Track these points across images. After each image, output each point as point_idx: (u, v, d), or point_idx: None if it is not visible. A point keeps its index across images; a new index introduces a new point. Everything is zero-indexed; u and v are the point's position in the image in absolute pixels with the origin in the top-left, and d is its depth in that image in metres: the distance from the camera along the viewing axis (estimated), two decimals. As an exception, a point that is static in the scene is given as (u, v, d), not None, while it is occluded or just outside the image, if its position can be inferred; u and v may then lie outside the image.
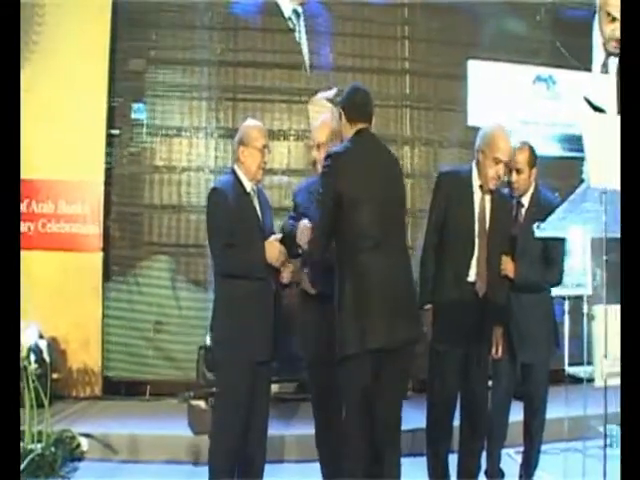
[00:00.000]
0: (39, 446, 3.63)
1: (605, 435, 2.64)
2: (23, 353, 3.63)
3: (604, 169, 2.49)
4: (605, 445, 2.62)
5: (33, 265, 4.92)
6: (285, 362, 3.20)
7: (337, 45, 5.70)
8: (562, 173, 5.35)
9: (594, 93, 5.73)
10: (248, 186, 3.01)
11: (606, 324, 2.61)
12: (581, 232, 3.36)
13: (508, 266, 3.21)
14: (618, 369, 2.41)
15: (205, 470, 2.94)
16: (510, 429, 3.45)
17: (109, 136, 5.39)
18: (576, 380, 3.75)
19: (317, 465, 3.16)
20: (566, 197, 2.79)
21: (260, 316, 2.91)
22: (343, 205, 2.67)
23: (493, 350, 3.18)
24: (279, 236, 2.99)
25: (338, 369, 2.70)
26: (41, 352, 3.87)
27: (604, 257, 2.64)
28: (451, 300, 3.05)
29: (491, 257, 3.09)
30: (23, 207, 5.10)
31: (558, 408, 3.68)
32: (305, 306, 3.14)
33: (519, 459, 3.56)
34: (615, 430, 2.80)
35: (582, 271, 3.96)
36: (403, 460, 2.80)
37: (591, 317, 2.85)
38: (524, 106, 5.80)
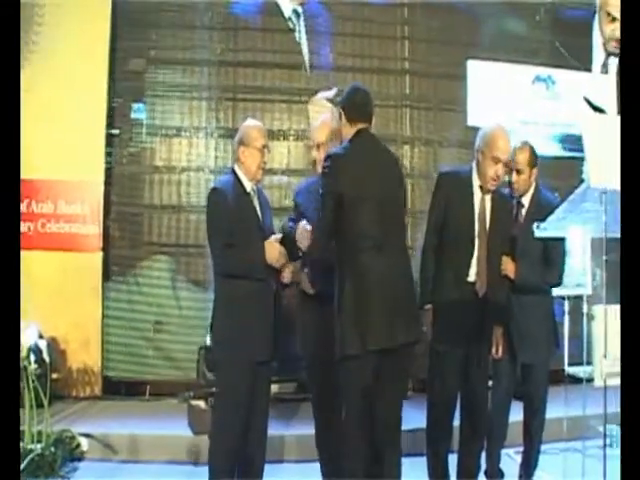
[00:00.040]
0: (39, 446, 3.63)
1: (605, 435, 2.64)
2: (23, 353, 3.63)
3: (604, 169, 2.49)
4: (605, 445, 2.62)
5: (33, 265, 4.92)
6: (285, 362, 3.19)
7: (337, 45, 5.69)
8: (562, 173, 5.34)
9: (594, 93, 5.74)
10: (248, 186, 3.01)
11: (606, 324, 2.61)
12: (581, 232, 3.37)
13: (508, 266, 3.21)
14: (618, 369, 2.41)
15: (205, 470, 2.94)
16: (510, 429, 3.45)
17: (109, 136, 5.38)
18: (576, 380, 3.74)
19: (317, 465, 3.16)
20: (566, 197, 2.79)
21: (260, 316, 2.91)
22: (343, 205, 2.67)
23: (493, 350, 3.19)
24: (279, 236, 2.99)
25: (338, 369, 2.70)
26: (41, 352, 3.87)
27: (604, 257, 2.63)
28: (451, 300, 3.05)
29: (491, 257, 3.09)
30: (23, 207, 5.09)
31: (558, 408, 3.68)
32: (305, 306, 3.14)
33: (519, 459, 3.56)
34: (615, 430, 2.80)
35: (582, 271, 3.95)
36: (403, 460, 2.81)
37: (591, 317, 2.84)
38: (524, 106, 5.80)
